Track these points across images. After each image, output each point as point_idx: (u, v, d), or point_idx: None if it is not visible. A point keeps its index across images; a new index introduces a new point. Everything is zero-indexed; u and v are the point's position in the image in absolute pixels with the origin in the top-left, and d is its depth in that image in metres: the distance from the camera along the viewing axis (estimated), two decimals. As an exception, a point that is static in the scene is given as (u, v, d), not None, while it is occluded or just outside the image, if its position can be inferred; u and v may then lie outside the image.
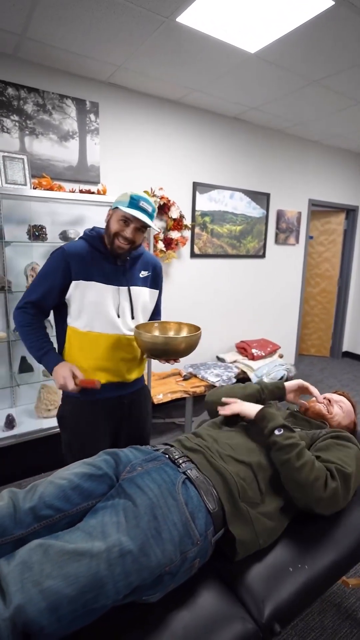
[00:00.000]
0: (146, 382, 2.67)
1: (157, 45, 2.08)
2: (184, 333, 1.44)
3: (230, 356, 3.45)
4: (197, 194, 3.17)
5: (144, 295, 1.44)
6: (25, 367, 2.47)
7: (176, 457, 1.05)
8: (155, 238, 2.88)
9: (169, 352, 1.28)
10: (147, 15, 1.80)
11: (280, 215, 3.83)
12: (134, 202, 1.25)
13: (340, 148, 4.19)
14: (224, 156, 3.29)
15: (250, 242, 3.65)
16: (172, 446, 1.12)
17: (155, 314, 1.58)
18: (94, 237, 1.35)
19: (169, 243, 2.96)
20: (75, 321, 1.33)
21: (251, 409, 1.20)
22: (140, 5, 1.73)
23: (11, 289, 2.27)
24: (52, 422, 2.31)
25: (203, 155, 3.16)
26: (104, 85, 2.58)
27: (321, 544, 1.02)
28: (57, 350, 1.38)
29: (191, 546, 0.88)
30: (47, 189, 2.27)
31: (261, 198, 3.62)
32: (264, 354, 3.40)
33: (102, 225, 1.39)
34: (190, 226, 3.11)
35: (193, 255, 3.26)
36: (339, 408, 1.40)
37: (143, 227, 1.30)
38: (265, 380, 3.06)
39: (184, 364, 3.23)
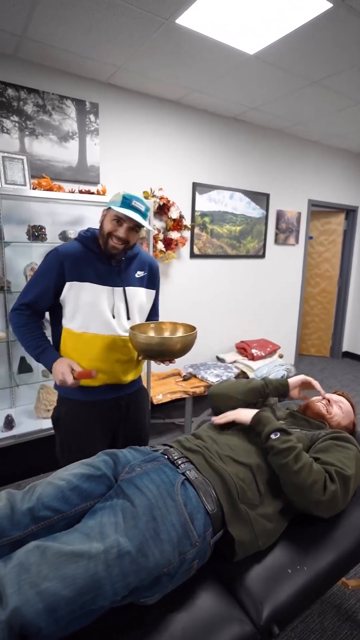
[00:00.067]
0: (145, 383, 2.67)
1: (157, 46, 2.08)
2: (180, 333, 1.43)
3: (230, 356, 3.45)
4: (197, 194, 3.17)
5: (140, 296, 1.43)
6: (24, 368, 2.47)
7: (175, 457, 1.05)
8: (155, 238, 2.88)
9: (164, 352, 1.27)
10: (146, 16, 1.80)
11: (280, 215, 3.83)
12: (126, 201, 1.24)
13: (340, 148, 4.19)
14: (223, 156, 3.29)
15: (250, 242, 3.65)
16: (171, 447, 1.12)
17: (153, 314, 1.57)
18: (87, 237, 1.35)
19: (168, 243, 2.96)
20: (70, 322, 1.33)
21: (247, 414, 1.20)
22: (139, 6, 1.73)
23: (10, 289, 2.27)
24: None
25: (203, 155, 3.16)
26: (103, 86, 2.58)
27: (320, 546, 1.01)
28: (43, 363, 1.35)
29: (190, 547, 0.87)
30: (47, 190, 2.27)
31: (261, 198, 3.62)
32: (263, 354, 3.40)
33: None
34: (189, 226, 3.11)
35: (193, 255, 3.26)
36: (338, 408, 1.39)
37: (137, 226, 1.29)
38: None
39: (183, 364, 3.22)
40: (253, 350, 3.39)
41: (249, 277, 3.75)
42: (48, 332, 1.41)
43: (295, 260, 4.15)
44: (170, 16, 1.80)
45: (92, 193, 2.44)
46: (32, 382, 2.49)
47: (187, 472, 1.00)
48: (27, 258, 2.40)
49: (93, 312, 1.31)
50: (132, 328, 1.33)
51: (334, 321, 4.93)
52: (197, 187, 3.16)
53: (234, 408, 1.36)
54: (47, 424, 2.35)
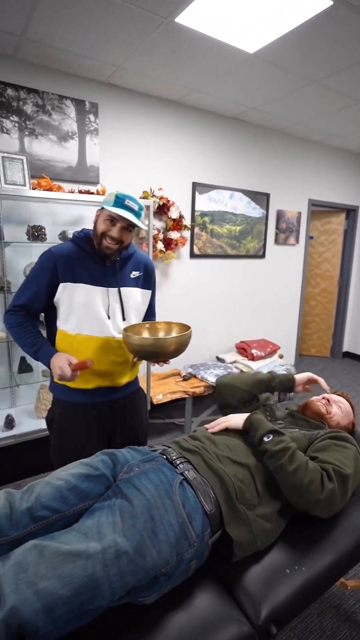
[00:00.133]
0: (146, 383, 2.67)
1: (156, 45, 2.08)
2: (174, 333, 1.42)
3: (230, 356, 3.44)
4: (197, 194, 3.17)
5: (135, 296, 1.41)
6: (24, 367, 2.47)
7: (174, 458, 1.05)
8: (155, 238, 2.88)
9: (158, 353, 1.25)
10: (145, 15, 1.80)
11: (280, 215, 3.83)
12: (119, 201, 1.23)
13: (340, 148, 4.19)
14: (223, 156, 3.29)
15: (250, 242, 3.64)
16: (169, 447, 1.12)
17: (150, 315, 1.55)
18: (81, 238, 1.34)
19: (168, 243, 2.96)
20: (64, 324, 1.32)
21: (238, 420, 1.21)
22: (138, 5, 1.73)
23: (10, 289, 2.27)
24: (52, 423, 2.31)
25: (203, 155, 3.16)
26: (103, 86, 2.58)
27: (319, 546, 1.01)
28: (40, 360, 1.33)
29: (188, 547, 0.87)
30: (47, 190, 2.27)
31: (261, 198, 3.62)
32: (263, 355, 3.40)
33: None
34: (189, 226, 3.11)
35: (193, 255, 3.26)
36: (337, 408, 1.39)
37: (130, 226, 1.28)
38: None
39: (183, 365, 3.22)
40: (253, 351, 3.39)
41: (249, 277, 3.75)
42: (43, 334, 1.41)
43: (296, 260, 4.14)
44: (169, 15, 1.80)
45: (92, 193, 2.44)
46: (32, 382, 2.49)
47: (186, 472, 1.00)
48: (27, 258, 2.40)
49: (87, 313, 1.30)
50: (125, 329, 1.31)
51: (335, 321, 4.93)
52: (197, 187, 3.15)
53: (240, 399, 1.37)
54: (47, 423, 2.35)
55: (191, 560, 0.88)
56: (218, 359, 3.48)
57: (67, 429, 1.38)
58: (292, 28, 1.88)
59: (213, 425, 1.25)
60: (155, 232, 2.90)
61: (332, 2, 1.69)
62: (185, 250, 3.21)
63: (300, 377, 1.40)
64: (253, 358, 3.34)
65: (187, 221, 3.12)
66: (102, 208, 1.27)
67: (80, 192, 2.44)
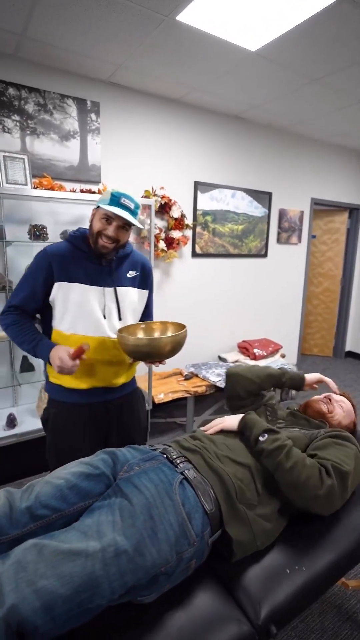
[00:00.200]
0: (147, 382, 2.67)
1: (157, 43, 2.07)
2: (169, 333, 1.40)
3: (232, 356, 3.44)
4: (199, 193, 3.16)
5: (131, 296, 1.40)
6: (26, 367, 2.48)
7: (174, 457, 1.04)
8: (157, 237, 2.88)
9: (153, 354, 1.24)
10: (146, 13, 1.80)
11: (282, 214, 3.81)
12: (115, 199, 1.22)
13: (343, 146, 4.17)
14: (225, 155, 3.28)
15: (252, 241, 3.64)
16: (170, 446, 1.11)
17: (147, 315, 1.53)
18: (77, 237, 1.32)
19: (170, 242, 2.96)
20: (59, 324, 1.30)
21: (233, 421, 1.21)
22: (139, 3, 1.72)
23: (12, 288, 2.28)
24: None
25: (204, 154, 3.16)
26: (104, 85, 2.58)
27: (319, 546, 1.01)
28: (39, 355, 1.30)
29: (187, 547, 0.87)
30: (48, 189, 2.28)
31: (263, 197, 3.61)
32: (265, 354, 3.39)
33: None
34: (191, 225, 3.11)
35: (194, 254, 3.26)
36: (339, 407, 1.39)
37: (126, 224, 1.26)
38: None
39: (185, 364, 3.22)
40: (255, 350, 3.38)
41: (251, 277, 3.74)
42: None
43: (298, 260, 4.13)
44: (170, 13, 1.79)
45: (94, 192, 2.44)
46: (34, 381, 2.50)
47: (186, 471, 1.00)
48: (28, 257, 2.41)
49: (82, 312, 1.28)
50: (120, 330, 1.30)
51: (337, 321, 4.91)
52: (198, 186, 3.15)
53: (249, 391, 1.37)
54: (49, 422, 2.35)
55: (191, 559, 0.88)
56: (220, 358, 3.48)
57: (62, 429, 1.37)
58: (294, 26, 1.87)
59: (208, 427, 1.25)
60: (157, 231, 2.90)
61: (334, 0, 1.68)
62: (187, 249, 3.21)
63: (311, 376, 1.40)
64: (255, 357, 3.34)
65: (188, 220, 3.11)
66: (98, 207, 1.26)
67: (81, 191, 2.44)
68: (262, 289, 3.86)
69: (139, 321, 1.48)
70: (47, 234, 2.33)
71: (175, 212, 2.93)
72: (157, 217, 2.95)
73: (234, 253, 3.52)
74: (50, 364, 1.25)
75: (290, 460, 1.01)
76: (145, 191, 2.83)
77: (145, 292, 1.47)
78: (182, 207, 3.07)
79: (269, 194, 3.65)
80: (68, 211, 2.50)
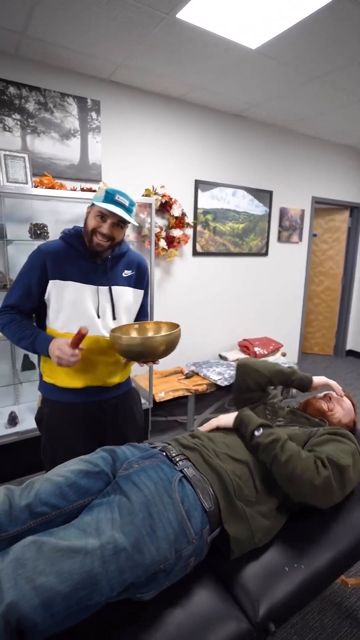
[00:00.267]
0: (148, 380, 2.67)
1: (158, 42, 2.07)
2: (163, 332, 1.39)
3: (233, 354, 3.44)
4: (199, 191, 3.16)
5: (126, 295, 1.38)
6: (27, 365, 2.48)
7: (173, 455, 1.05)
8: (157, 236, 2.88)
9: (146, 353, 1.22)
10: (146, 11, 1.79)
11: (283, 213, 3.81)
12: (109, 196, 1.21)
13: (344, 145, 4.15)
14: (226, 154, 3.28)
15: (253, 240, 3.63)
16: (169, 444, 1.12)
17: (142, 315, 1.51)
18: (71, 235, 1.31)
19: (171, 241, 2.96)
20: (54, 322, 1.29)
21: (228, 418, 1.22)
22: (139, 1, 1.72)
23: (13, 287, 2.28)
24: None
25: (205, 152, 3.15)
26: (105, 83, 2.58)
27: (318, 544, 1.01)
28: (38, 350, 1.28)
29: (186, 544, 0.88)
30: (49, 188, 2.28)
31: (264, 196, 3.60)
32: (266, 353, 3.39)
33: None
34: (192, 224, 3.10)
35: (195, 253, 3.26)
36: (339, 406, 1.39)
37: (121, 222, 1.25)
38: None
39: (186, 362, 3.23)
40: (256, 349, 3.38)
41: (252, 275, 3.73)
42: None
43: (299, 258, 4.12)
44: (170, 11, 1.79)
45: (94, 191, 2.44)
46: (35, 379, 2.50)
47: (185, 469, 1.00)
48: (29, 256, 2.41)
49: (76, 311, 1.27)
50: (113, 330, 1.29)
51: (338, 319, 4.90)
52: (199, 185, 3.15)
53: (258, 384, 1.38)
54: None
55: (190, 557, 0.88)
56: (221, 356, 3.48)
57: (56, 428, 1.36)
58: (294, 23, 1.87)
59: (205, 426, 1.26)
60: (158, 230, 2.90)
61: (334, -3, 1.67)
62: (187, 248, 3.21)
63: (318, 381, 1.38)
64: (256, 356, 3.34)
65: (189, 219, 3.11)
66: (93, 204, 1.25)
67: (82, 190, 2.44)
68: (262, 287, 3.86)
69: (134, 321, 1.46)
70: (47, 233, 2.33)
71: (175, 211, 2.93)
72: (157, 216, 2.95)
73: (234, 252, 3.52)
74: (49, 357, 1.23)
75: (286, 453, 1.02)
76: (146, 190, 2.83)
77: (141, 292, 1.46)
78: (183, 205, 3.06)
79: (270, 193, 3.64)
80: (69, 210, 2.50)
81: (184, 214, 2.98)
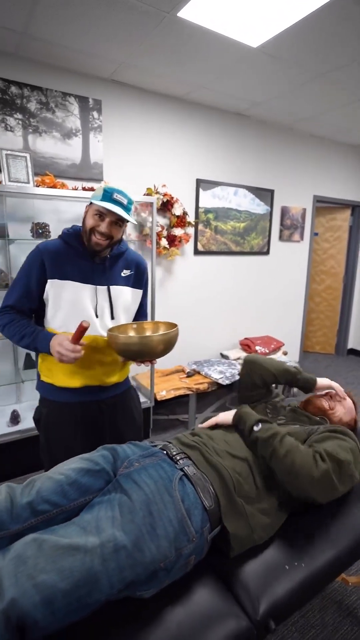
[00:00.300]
0: (150, 379, 2.68)
1: (159, 40, 2.07)
2: (161, 332, 1.38)
3: (234, 353, 3.44)
4: (201, 190, 3.16)
5: (125, 295, 1.38)
6: (30, 364, 2.49)
7: (174, 453, 1.05)
8: (159, 235, 2.88)
9: (144, 353, 1.22)
10: (147, 10, 1.79)
11: (284, 211, 3.80)
12: (107, 194, 1.21)
13: (345, 143, 4.14)
14: (227, 153, 3.27)
15: (254, 239, 3.63)
16: (170, 443, 1.12)
17: (140, 315, 1.51)
18: (70, 234, 1.31)
19: (172, 240, 2.96)
20: (52, 322, 1.29)
21: (227, 415, 1.24)
22: (140, 0, 1.72)
23: (14, 286, 2.29)
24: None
25: (206, 151, 3.15)
26: (106, 83, 2.58)
27: (318, 543, 1.01)
28: (39, 347, 1.27)
29: (187, 543, 0.88)
30: (50, 187, 2.28)
31: (265, 194, 3.59)
32: (267, 351, 3.39)
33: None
34: (193, 223, 3.10)
35: (196, 252, 3.26)
36: (340, 404, 1.39)
37: (120, 220, 1.25)
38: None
39: (187, 361, 3.23)
40: (257, 347, 3.38)
41: (253, 274, 3.73)
42: None
43: (300, 257, 4.12)
44: (171, 9, 1.79)
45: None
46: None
47: (186, 467, 1.00)
48: (30, 255, 2.41)
49: (74, 310, 1.27)
50: (110, 329, 1.29)
51: (339, 318, 4.90)
52: (200, 184, 3.14)
53: (264, 381, 1.39)
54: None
55: (190, 555, 0.89)
56: (222, 355, 3.48)
57: (54, 428, 1.36)
58: (295, 22, 1.86)
59: (204, 423, 1.27)
60: (159, 228, 2.90)
61: (336, -5, 1.67)
62: (189, 247, 3.21)
63: (323, 383, 1.38)
64: (257, 355, 3.33)
65: (191, 218, 3.11)
66: (91, 203, 1.25)
67: (84, 189, 2.45)
68: (264, 286, 3.85)
69: (133, 321, 1.46)
70: (49, 232, 2.34)
71: (177, 210, 2.93)
72: (159, 215, 2.95)
73: (236, 251, 3.51)
74: (51, 354, 1.22)
75: (284, 446, 1.02)
76: (147, 189, 2.83)
77: (140, 292, 1.45)
78: (184, 204, 3.06)
79: (271, 192, 3.63)
80: (70, 209, 2.51)
81: (185, 213, 2.98)
